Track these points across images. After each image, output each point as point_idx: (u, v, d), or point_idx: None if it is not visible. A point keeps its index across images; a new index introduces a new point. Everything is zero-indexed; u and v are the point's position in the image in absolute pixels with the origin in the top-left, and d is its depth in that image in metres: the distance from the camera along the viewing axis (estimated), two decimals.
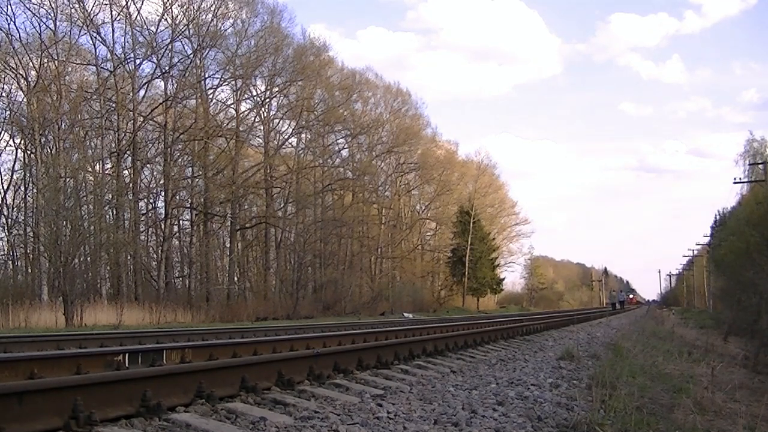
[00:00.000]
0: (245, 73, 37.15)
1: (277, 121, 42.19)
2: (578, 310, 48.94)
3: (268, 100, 40.47)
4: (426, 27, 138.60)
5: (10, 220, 31.77)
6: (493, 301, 68.54)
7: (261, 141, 40.99)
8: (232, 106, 38.79)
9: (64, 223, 24.92)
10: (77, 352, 7.28)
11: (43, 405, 3.64)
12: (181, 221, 38.94)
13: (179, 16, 34.01)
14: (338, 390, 5.60)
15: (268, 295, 37.74)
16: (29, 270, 30.67)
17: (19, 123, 30.97)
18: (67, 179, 27.77)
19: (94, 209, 29.03)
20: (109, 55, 32.63)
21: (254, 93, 40.03)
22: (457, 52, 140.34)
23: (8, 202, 32.06)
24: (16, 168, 32.59)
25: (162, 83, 35.02)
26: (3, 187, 31.83)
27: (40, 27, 30.93)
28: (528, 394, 5.93)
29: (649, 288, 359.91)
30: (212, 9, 34.62)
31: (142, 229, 35.32)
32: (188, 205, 37.76)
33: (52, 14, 30.94)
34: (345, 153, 49.33)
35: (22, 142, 32.11)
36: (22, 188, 32.78)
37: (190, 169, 37.44)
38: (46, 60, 30.07)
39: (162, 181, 35.05)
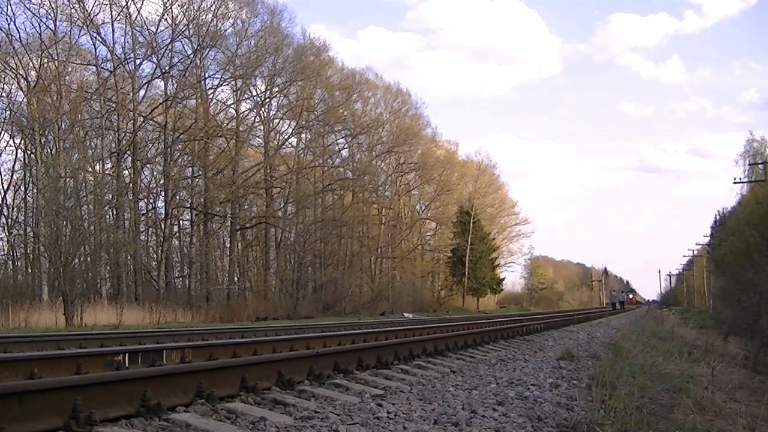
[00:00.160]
0: (245, 73, 37.15)
1: (277, 121, 42.25)
2: (578, 310, 48.94)
3: (268, 100, 40.51)
4: (426, 27, 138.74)
5: (10, 220, 31.78)
6: (493, 301, 68.54)
7: (261, 141, 41.04)
8: (232, 106, 38.86)
9: (64, 223, 24.92)
10: (77, 352, 7.28)
11: (43, 405, 3.64)
12: (181, 221, 38.98)
13: (179, 16, 34.07)
14: (338, 390, 5.60)
15: (268, 295, 37.74)
16: (29, 270, 30.68)
17: (19, 123, 30.98)
18: (67, 179, 27.76)
19: (94, 209, 29.02)
20: (109, 55, 32.69)
21: (254, 93, 40.12)
22: (457, 52, 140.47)
23: (8, 202, 32.09)
24: (16, 168, 32.67)
25: (162, 83, 35.10)
26: (3, 187, 31.88)
27: (40, 27, 31.00)
28: (528, 394, 5.93)
29: (649, 288, 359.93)
30: (212, 9, 34.69)
31: (142, 229, 35.33)
32: (188, 205, 37.76)
33: (52, 14, 30.99)
34: (345, 153, 49.43)
35: (22, 142, 32.13)
36: (22, 188, 32.80)
37: (190, 169, 37.46)
38: (46, 60, 30.08)
39: (162, 181, 35.05)
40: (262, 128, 40.76)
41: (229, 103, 39.06)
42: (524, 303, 76.67)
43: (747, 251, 25.23)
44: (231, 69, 36.82)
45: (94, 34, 32.20)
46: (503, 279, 68.40)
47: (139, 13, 33.39)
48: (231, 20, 36.36)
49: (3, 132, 31.60)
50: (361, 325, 18.89)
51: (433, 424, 4.43)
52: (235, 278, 39.89)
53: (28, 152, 32.09)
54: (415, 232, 60.82)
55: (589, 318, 29.02)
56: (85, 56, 33.06)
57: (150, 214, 36.60)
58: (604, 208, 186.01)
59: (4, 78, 30.42)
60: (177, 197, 35.62)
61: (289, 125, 42.76)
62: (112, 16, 32.58)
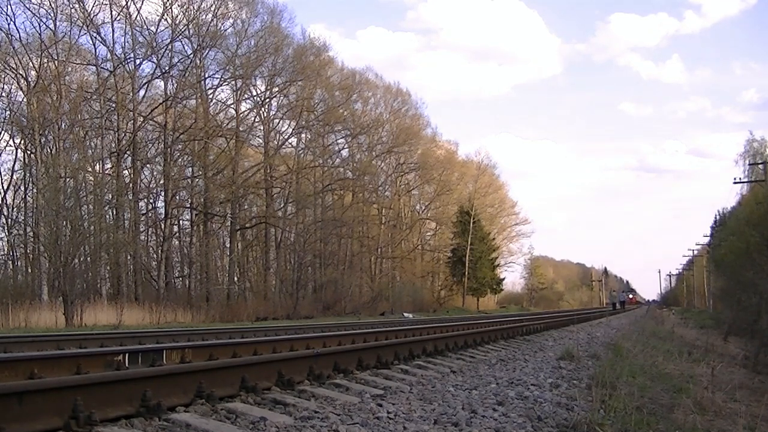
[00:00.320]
0: (245, 73, 37.15)
1: (277, 121, 42.25)
2: (578, 310, 48.93)
3: (268, 100, 40.51)
4: (426, 27, 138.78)
5: (10, 220, 31.78)
6: (493, 301, 68.54)
7: (261, 141, 41.04)
8: (232, 106, 38.86)
9: (64, 223, 24.92)
10: (77, 352, 7.28)
11: (43, 405, 3.64)
12: (181, 221, 38.99)
13: (179, 16, 34.08)
14: (338, 390, 5.60)
15: (268, 295, 37.74)
16: (29, 270, 30.68)
17: (19, 123, 30.97)
18: (67, 179, 27.76)
19: (94, 209, 29.02)
20: (109, 55, 32.69)
21: (254, 93, 40.12)
22: (457, 52, 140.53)
23: (8, 202, 32.09)
24: (16, 168, 32.67)
25: (162, 83, 35.10)
26: (3, 187, 31.88)
27: (40, 27, 30.99)
28: (528, 394, 5.93)
29: (649, 288, 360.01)
30: (212, 9, 34.69)
31: (142, 229, 35.33)
32: (188, 205, 37.77)
33: (52, 14, 30.99)
34: (345, 153, 49.44)
35: (22, 142, 32.13)
36: (22, 188, 32.80)
37: (190, 169, 37.46)
38: (46, 60, 30.08)
39: (162, 181, 35.05)
40: (262, 128, 40.80)
41: (229, 103, 39.14)
42: (524, 303, 76.66)
43: (747, 251, 25.24)
44: (231, 69, 36.84)
45: (94, 34, 32.26)
46: (503, 279, 68.50)
47: (139, 13, 33.46)
48: (231, 20, 36.44)
49: (3, 132, 31.67)
50: (361, 325, 18.89)
51: (433, 424, 4.43)
52: (235, 278, 39.90)
53: (28, 152, 32.10)
54: (415, 232, 60.83)
55: (589, 318, 29.01)
56: (85, 56, 33.09)
57: (150, 214, 36.61)
58: (604, 208, 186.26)
59: (4, 78, 30.47)
60: (177, 197, 35.63)
61: (289, 125, 42.84)
62: (112, 16, 32.65)
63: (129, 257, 31.20)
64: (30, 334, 14.36)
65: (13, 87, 31.04)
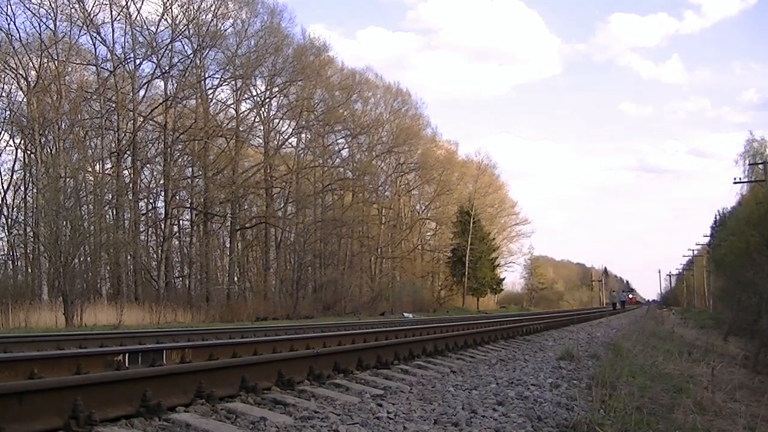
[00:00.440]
0: (245, 73, 37.14)
1: (277, 121, 42.24)
2: (578, 310, 48.93)
3: (268, 100, 40.51)
4: (426, 27, 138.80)
5: (10, 220, 31.78)
6: (493, 301, 68.53)
7: (261, 141, 41.04)
8: (232, 106, 38.86)
9: (64, 223, 24.92)
10: (77, 352, 7.28)
11: (43, 405, 3.64)
12: (181, 221, 38.99)
13: (179, 16, 34.07)
14: (338, 390, 5.60)
15: (268, 295, 37.74)
16: (29, 270, 30.68)
17: (19, 123, 30.97)
18: (67, 179, 27.76)
19: (94, 209, 29.02)
20: (109, 55, 32.69)
21: (254, 93, 40.12)
22: (457, 52, 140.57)
23: (8, 202, 32.10)
24: (16, 168, 32.68)
25: (162, 83, 35.10)
26: (3, 187, 31.88)
27: (40, 27, 30.99)
28: (528, 394, 5.93)
29: (649, 288, 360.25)
30: (212, 9, 34.68)
31: (142, 229, 35.33)
32: (188, 205, 37.77)
33: (52, 14, 30.99)
34: (345, 153, 49.44)
35: (22, 142, 32.13)
36: (22, 188, 32.80)
37: (190, 169, 37.46)
38: (46, 60, 30.08)
39: (162, 181, 35.05)
40: (262, 128, 40.80)
41: (229, 103, 39.14)
42: (524, 303, 76.66)
43: (747, 251, 25.23)
44: (231, 69, 36.84)
45: (94, 34, 32.26)
46: (503, 279, 68.48)
47: (139, 13, 33.46)
48: (231, 20, 36.44)
49: (3, 132, 31.67)
50: (361, 325, 18.88)
51: (433, 424, 4.43)
52: (235, 278, 39.90)
53: (28, 152, 32.10)
54: (415, 232, 60.82)
55: (589, 318, 29.00)
56: (85, 56, 33.09)
57: (150, 214, 36.61)
58: (604, 208, 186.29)
59: (4, 78, 30.46)
60: (177, 197, 35.63)
61: (289, 125, 42.84)
62: (112, 16, 32.64)
63: (129, 257, 31.21)
64: (30, 334, 14.35)
65: (13, 87, 31.11)
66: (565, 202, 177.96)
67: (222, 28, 35.60)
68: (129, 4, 32.68)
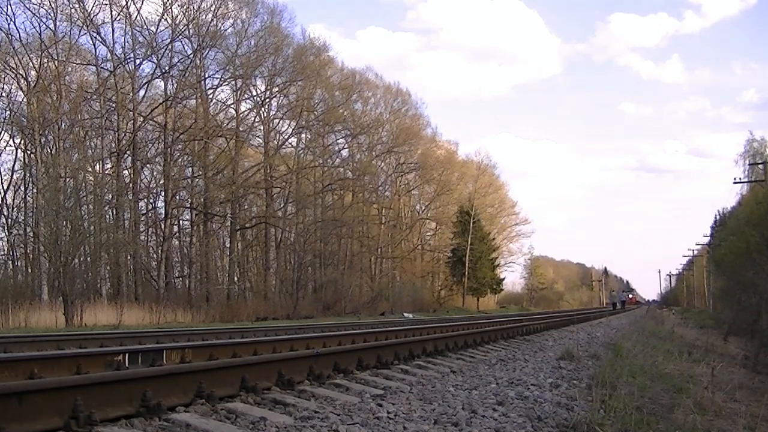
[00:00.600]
0: (245, 73, 37.14)
1: (277, 121, 42.24)
2: (578, 310, 48.94)
3: (268, 100, 40.51)
4: (426, 27, 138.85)
5: (10, 220, 31.79)
6: (493, 301, 68.52)
7: (261, 141, 41.04)
8: (232, 106, 38.85)
9: (64, 223, 24.92)
10: (77, 352, 7.28)
11: (43, 405, 3.64)
12: (181, 221, 38.98)
13: (179, 16, 34.07)
14: (338, 390, 5.60)
15: (268, 295, 37.74)
16: (29, 270, 30.68)
17: (19, 123, 30.97)
18: (67, 179, 27.76)
19: (94, 209, 29.01)
20: (109, 55, 32.69)
21: (254, 93, 40.12)
22: (457, 52, 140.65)
23: (8, 202, 32.10)
24: (16, 168, 32.69)
25: (162, 83, 35.09)
26: (3, 187, 31.89)
27: (40, 27, 30.99)
28: (528, 394, 5.93)
29: (649, 288, 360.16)
30: (212, 9, 34.68)
31: (142, 229, 35.32)
32: (188, 205, 37.76)
33: (52, 14, 30.99)
34: (345, 153, 49.44)
35: (22, 142, 32.13)
36: (22, 188, 32.81)
37: (190, 169, 37.45)
38: (46, 60, 30.07)
39: (162, 181, 35.05)
40: (262, 128, 40.79)
41: (229, 103, 39.13)
42: (524, 303, 76.65)
43: (747, 251, 25.23)
44: (231, 69, 36.83)
45: (94, 34, 32.25)
46: (503, 279, 68.47)
47: (139, 13, 33.45)
48: (231, 20, 36.44)
49: (3, 132, 31.67)
50: (361, 325, 18.88)
51: (433, 424, 4.43)
52: (235, 278, 39.89)
53: (28, 152, 32.10)
54: (415, 232, 60.82)
55: (589, 318, 29.00)
56: (85, 56, 33.09)
57: (150, 214, 36.61)
58: (604, 208, 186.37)
59: (4, 78, 30.46)
60: (177, 197, 35.62)
61: (289, 125, 42.84)
62: (112, 16, 32.64)
63: (129, 257, 31.21)
64: (30, 334, 14.36)
65: (13, 87, 31.11)
66: (565, 202, 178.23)
67: (222, 28, 35.67)
68: (129, 4, 32.73)
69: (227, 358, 6.87)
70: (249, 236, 41.64)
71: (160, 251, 33.61)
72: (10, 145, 32.43)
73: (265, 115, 40.88)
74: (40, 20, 30.84)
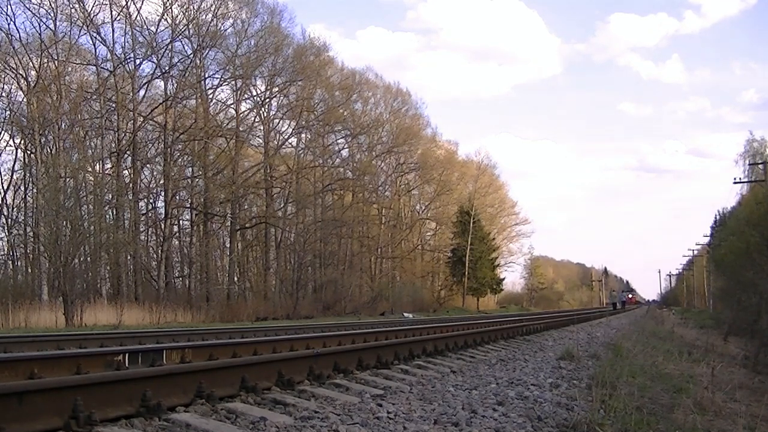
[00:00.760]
0: (245, 73, 37.14)
1: (277, 121, 42.24)
2: (578, 310, 48.94)
3: (268, 100, 40.51)
4: (426, 27, 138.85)
5: (10, 220, 31.79)
6: (493, 301, 68.53)
7: (261, 141, 41.04)
8: (232, 106, 38.86)
9: (64, 223, 24.91)
10: (77, 352, 7.28)
11: (43, 405, 3.64)
12: (181, 221, 38.98)
13: (179, 16, 34.08)
14: (338, 390, 5.60)
15: (268, 295, 37.74)
16: (29, 270, 30.68)
17: (19, 123, 30.98)
18: (67, 179, 27.76)
19: (94, 209, 29.01)
20: (109, 55, 32.69)
21: (254, 93, 40.12)
22: (457, 52, 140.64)
23: (8, 202, 32.11)
24: (16, 168, 32.70)
25: (162, 83, 35.10)
26: (3, 187, 31.89)
27: (40, 27, 31.00)
28: (528, 394, 5.93)
29: (649, 288, 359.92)
30: (212, 9, 34.68)
31: (142, 229, 35.32)
32: (188, 205, 37.76)
33: (52, 14, 31.00)
34: (345, 153, 49.44)
35: (22, 142, 32.14)
36: (22, 188, 32.82)
37: (190, 169, 37.45)
38: (46, 60, 30.07)
39: (162, 181, 35.05)
40: (262, 128, 40.80)
41: (229, 103, 39.14)
42: (524, 303, 76.66)
43: (747, 251, 25.23)
44: (231, 69, 36.84)
45: (94, 34, 32.26)
46: (503, 279, 68.47)
47: (139, 13, 33.46)
48: (231, 20, 36.44)
49: (3, 132, 31.69)
50: (361, 325, 18.89)
51: (433, 424, 4.43)
52: (235, 278, 39.89)
53: (28, 152, 32.11)
54: (415, 232, 60.82)
55: (589, 318, 29.01)
56: (85, 56, 33.10)
57: (150, 214, 36.61)
58: (604, 208, 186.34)
59: (4, 78, 30.48)
60: (177, 197, 35.62)
61: (289, 125, 42.84)
62: (112, 16, 32.65)
63: (129, 257, 31.21)
64: (30, 334, 14.36)
65: (13, 87, 31.13)
66: (565, 202, 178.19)
67: (222, 28, 35.67)
68: (129, 4, 32.74)
69: (227, 358, 6.87)
70: (249, 236, 41.64)
71: (160, 251, 33.61)
72: (10, 145, 32.52)
73: (265, 115, 40.92)
74: (40, 20, 30.91)
